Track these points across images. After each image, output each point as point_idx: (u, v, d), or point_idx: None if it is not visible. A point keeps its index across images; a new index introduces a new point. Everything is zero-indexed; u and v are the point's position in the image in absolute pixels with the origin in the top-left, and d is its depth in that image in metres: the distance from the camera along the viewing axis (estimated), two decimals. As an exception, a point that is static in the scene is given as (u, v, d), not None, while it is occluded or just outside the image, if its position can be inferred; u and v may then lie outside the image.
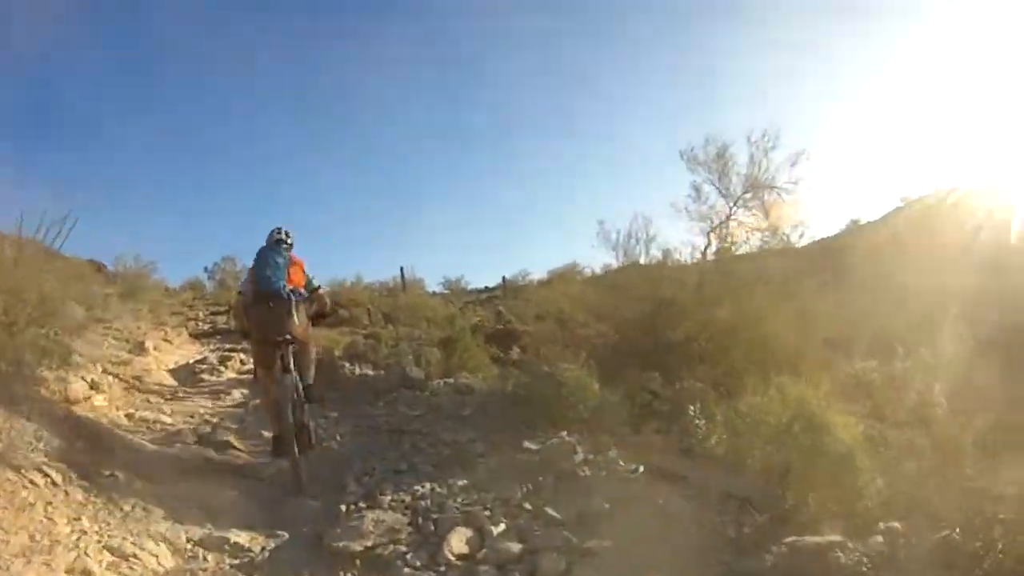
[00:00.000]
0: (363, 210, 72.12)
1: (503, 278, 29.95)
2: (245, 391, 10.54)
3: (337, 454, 7.35)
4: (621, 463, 5.88)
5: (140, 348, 12.22)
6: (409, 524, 4.80)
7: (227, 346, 14.71)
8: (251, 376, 9.32)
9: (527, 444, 6.47)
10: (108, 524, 4.83)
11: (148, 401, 9.35)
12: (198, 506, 5.50)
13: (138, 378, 10.37)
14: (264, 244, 6.08)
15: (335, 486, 6.09)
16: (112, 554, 4.35)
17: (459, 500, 5.23)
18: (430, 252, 66.49)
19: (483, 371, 11.08)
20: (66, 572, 3.95)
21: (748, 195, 9.56)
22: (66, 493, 5.12)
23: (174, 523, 5.09)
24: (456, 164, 73.99)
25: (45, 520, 4.53)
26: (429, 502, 5.19)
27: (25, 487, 4.88)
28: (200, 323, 18.83)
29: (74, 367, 8.43)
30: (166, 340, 14.63)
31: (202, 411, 9.14)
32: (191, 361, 13.15)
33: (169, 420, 8.22)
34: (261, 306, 5.71)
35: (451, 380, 10.23)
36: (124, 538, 4.60)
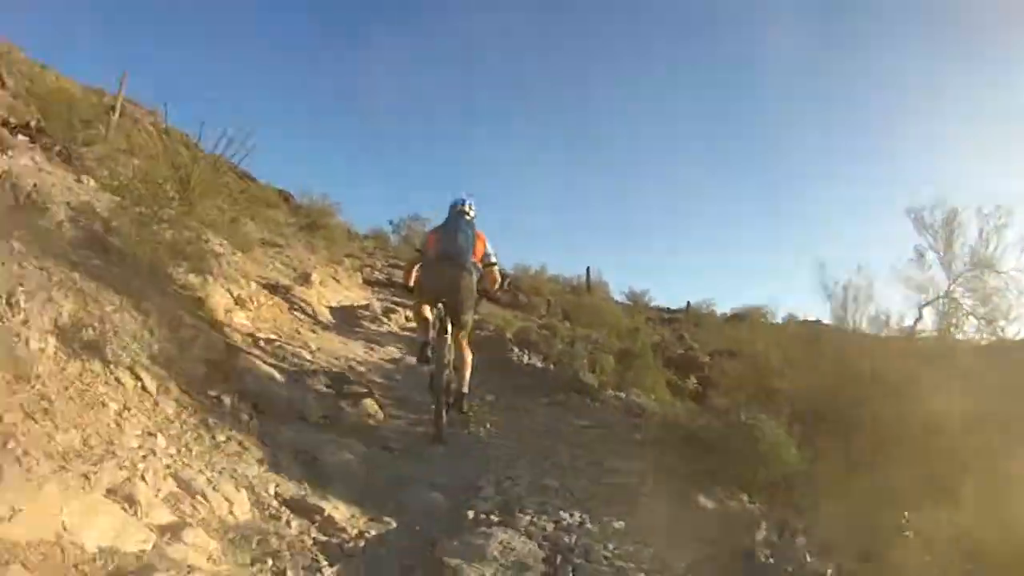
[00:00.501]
0: (560, 202, 72.48)
1: (688, 303, 28.12)
2: (403, 347, 9.53)
3: (482, 445, 6.16)
4: (808, 558, 4.38)
5: (305, 279, 11.58)
6: (544, 562, 3.66)
7: (396, 299, 13.89)
8: (414, 334, 8.46)
9: (702, 500, 5.04)
10: (189, 450, 3.93)
11: (296, 332, 8.53)
12: (303, 461, 4.53)
13: (293, 306, 9.61)
14: (450, 210, 6.30)
15: (468, 483, 4.92)
16: (177, 485, 3.43)
17: (611, 548, 4.02)
18: (618, 256, 65.31)
19: (657, 393, 9.64)
20: (105, 492, 3.00)
21: (971, 273, 7.42)
22: (155, 403, 4.28)
23: (268, 470, 4.17)
24: (669, 177, 72.55)
25: (112, 425, 3.64)
26: (574, 539, 4.04)
27: (106, 383, 4.02)
28: (376, 271, 18.27)
29: (223, 278, 7.72)
30: (334, 278, 14.12)
31: (350, 357, 8.22)
32: (355, 304, 12.42)
33: (309, 357, 7.40)
34: (442, 265, 5.89)
35: (622, 395, 8.76)
36: (201, 471, 3.69)
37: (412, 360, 7.83)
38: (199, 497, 3.38)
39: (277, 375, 5.86)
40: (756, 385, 7.94)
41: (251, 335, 7.01)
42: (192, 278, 6.80)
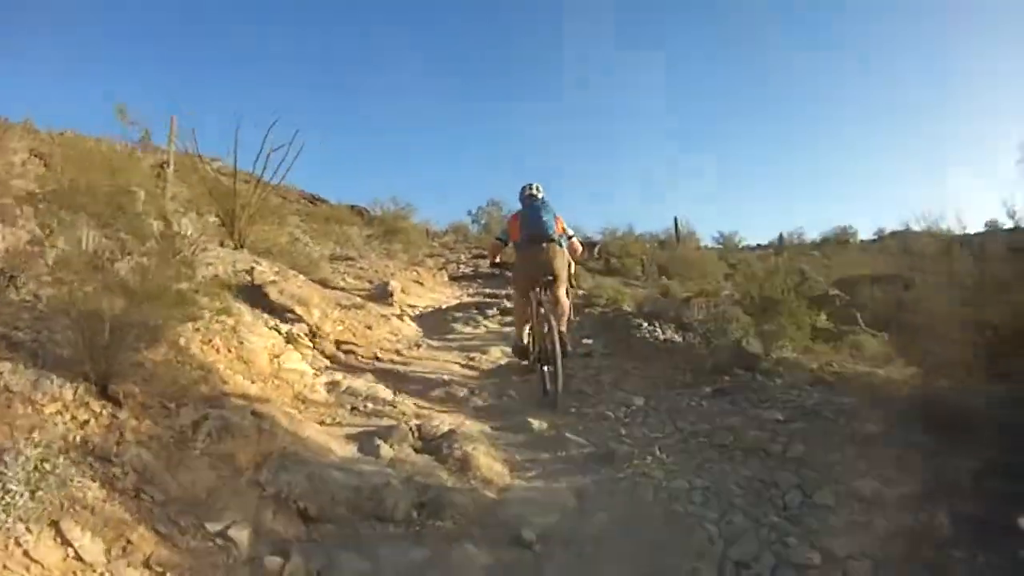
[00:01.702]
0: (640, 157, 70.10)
1: (780, 235, 26.06)
2: (507, 348, 7.41)
3: (663, 490, 3.63)
4: None
5: (383, 291, 9.59)
6: None
7: (487, 291, 11.81)
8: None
9: (1025, 523, 2.64)
10: None
11: (375, 358, 6.56)
12: None
13: (370, 324, 7.63)
14: (522, 198, 6.41)
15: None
16: None
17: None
18: (698, 205, 62.06)
19: (803, 343, 6.93)
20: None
21: None
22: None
23: None
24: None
25: None
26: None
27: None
28: (461, 265, 16.30)
29: (270, 312, 5.76)
30: (417, 281, 12.14)
31: (446, 378, 6.11)
32: (443, 306, 10.40)
33: (390, 396, 5.24)
34: (534, 246, 6.03)
35: (789, 358, 6.22)
36: None
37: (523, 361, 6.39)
38: None
39: (338, 448, 3.83)
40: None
41: (306, 385, 5.00)
42: (213, 324, 4.88)
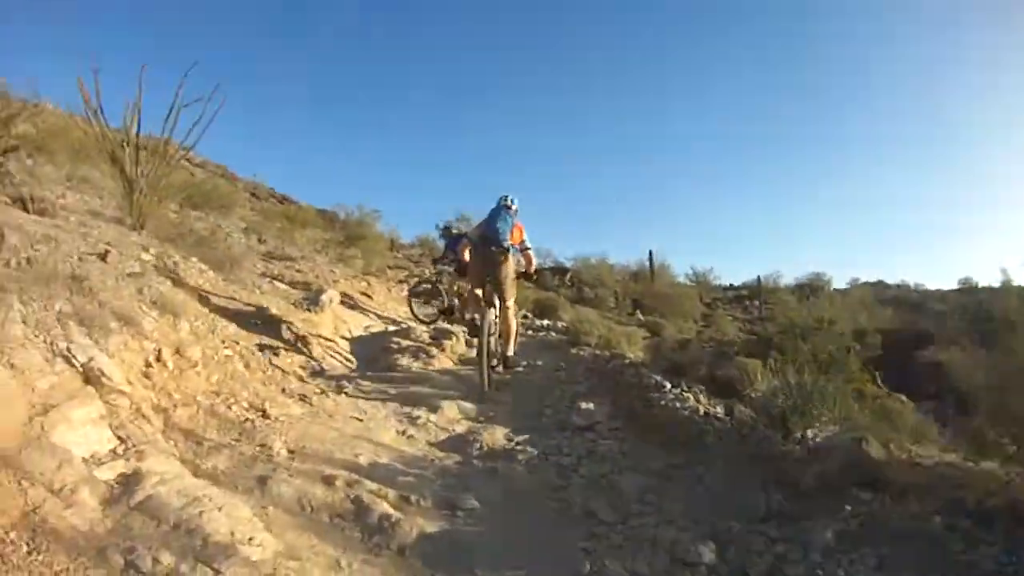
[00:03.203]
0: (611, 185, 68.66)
1: (758, 277, 24.20)
2: (470, 408, 5.18)
3: None
4: None
5: (314, 301, 7.00)
6: None
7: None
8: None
9: None
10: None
11: (260, 411, 4.06)
12: None
13: (278, 348, 5.10)
14: (497, 203, 6.24)
15: None
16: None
17: None
18: (673, 237, 60.61)
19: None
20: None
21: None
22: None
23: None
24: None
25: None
26: None
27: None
28: (424, 283, 13.72)
29: (66, 329, 3.25)
30: (366, 294, 9.55)
31: (362, 461, 3.66)
32: (391, 328, 7.84)
33: (222, 530, 2.57)
34: (485, 248, 6.02)
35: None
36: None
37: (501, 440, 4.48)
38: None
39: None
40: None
41: (64, 485, 2.38)
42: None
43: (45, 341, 3.05)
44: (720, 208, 67.26)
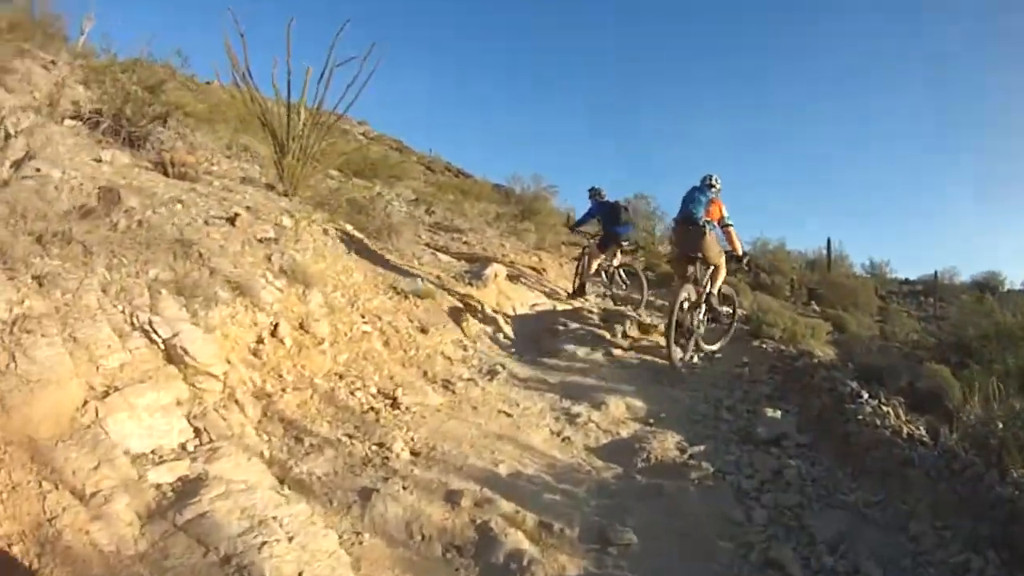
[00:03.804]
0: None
1: (935, 272, 21.40)
2: (638, 403, 4.06)
3: None
4: None
5: (477, 276, 6.37)
6: None
7: (630, 295, 8.22)
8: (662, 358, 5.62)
9: None
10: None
11: (391, 398, 3.28)
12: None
13: (423, 330, 4.45)
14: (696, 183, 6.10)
15: None
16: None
17: None
18: (853, 227, 55.46)
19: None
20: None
21: None
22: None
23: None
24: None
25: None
26: None
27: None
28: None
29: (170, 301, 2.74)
30: (535, 268, 8.80)
31: (502, 472, 2.87)
32: (557, 308, 7.03)
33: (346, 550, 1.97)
34: (680, 228, 5.97)
35: None
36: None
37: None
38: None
39: None
40: None
41: (98, 490, 1.84)
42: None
43: (123, 312, 2.54)
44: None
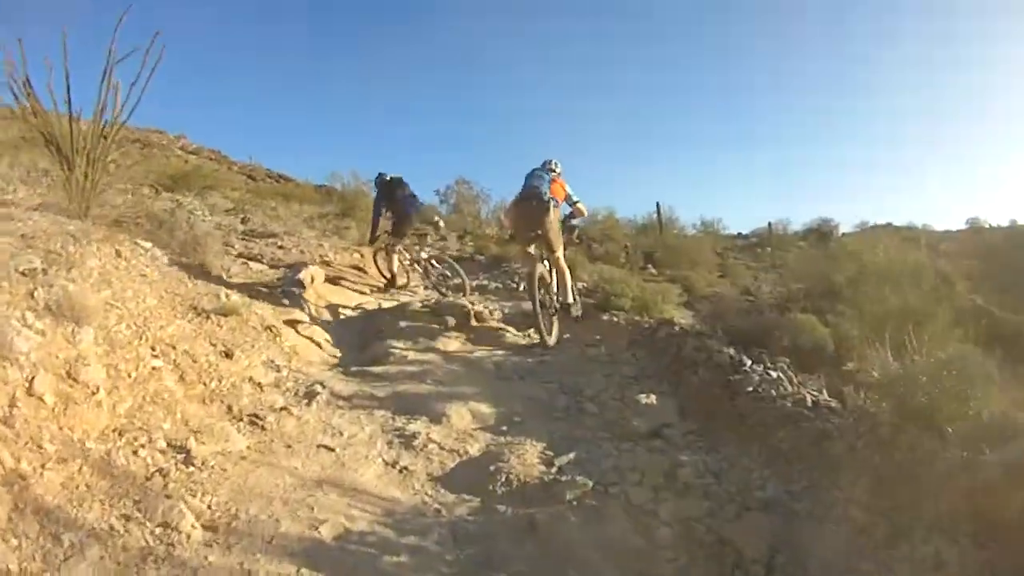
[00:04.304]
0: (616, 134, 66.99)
1: (768, 224, 22.92)
2: (484, 408, 3.83)
3: None
4: None
5: (291, 281, 5.76)
6: None
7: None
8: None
9: None
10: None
11: (184, 451, 2.64)
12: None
13: (226, 354, 3.82)
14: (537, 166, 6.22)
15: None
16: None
17: None
18: (675, 188, 59.67)
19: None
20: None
21: None
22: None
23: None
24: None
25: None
26: None
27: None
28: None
29: None
30: (357, 267, 8.20)
31: (323, 532, 2.38)
32: (383, 306, 6.56)
33: None
34: (523, 204, 5.92)
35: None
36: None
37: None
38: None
39: None
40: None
41: None
42: None
43: None
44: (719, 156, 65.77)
